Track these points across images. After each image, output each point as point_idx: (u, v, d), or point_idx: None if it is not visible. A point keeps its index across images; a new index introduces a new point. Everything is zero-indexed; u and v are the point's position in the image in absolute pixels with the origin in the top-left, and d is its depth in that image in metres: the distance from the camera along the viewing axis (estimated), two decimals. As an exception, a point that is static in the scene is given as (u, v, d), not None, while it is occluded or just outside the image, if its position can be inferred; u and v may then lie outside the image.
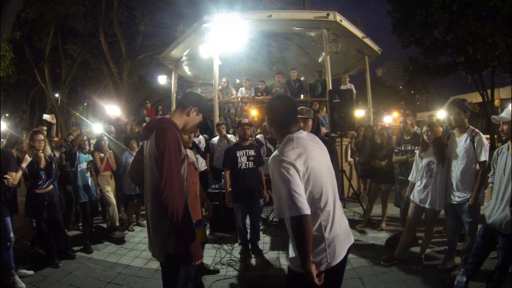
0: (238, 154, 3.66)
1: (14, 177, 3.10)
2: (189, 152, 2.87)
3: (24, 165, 3.26)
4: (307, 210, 1.38)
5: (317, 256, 1.48)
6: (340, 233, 1.55)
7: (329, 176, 1.60)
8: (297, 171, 1.42)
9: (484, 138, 2.88)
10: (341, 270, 1.63)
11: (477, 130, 2.91)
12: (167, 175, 1.53)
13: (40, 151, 3.50)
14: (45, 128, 4.47)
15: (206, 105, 1.88)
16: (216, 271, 3.34)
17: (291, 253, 1.57)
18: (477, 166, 2.88)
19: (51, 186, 3.65)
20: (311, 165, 1.47)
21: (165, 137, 1.58)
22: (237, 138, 5.87)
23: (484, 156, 2.80)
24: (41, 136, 3.51)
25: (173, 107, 8.41)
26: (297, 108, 1.73)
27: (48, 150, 3.68)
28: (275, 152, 1.53)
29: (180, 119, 1.79)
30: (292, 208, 1.37)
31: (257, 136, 5.38)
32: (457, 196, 2.94)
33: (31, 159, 3.36)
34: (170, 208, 1.51)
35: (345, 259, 1.58)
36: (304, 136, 1.60)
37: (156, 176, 1.56)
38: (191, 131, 1.90)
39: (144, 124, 5.72)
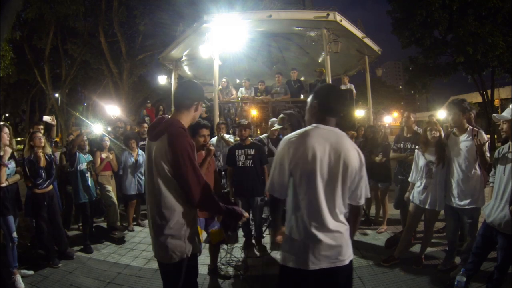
0: (236, 153, 3.97)
1: None
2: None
3: (5, 159, 3.06)
4: (277, 194, 1.59)
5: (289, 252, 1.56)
6: (320, 238, 1.46)
7: (326, 178, 1.48)
8: (290, 155, 1.51)
9: (484, 134, 2.87)
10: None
11: (477, 128, 2.90)
12: (193, 181, 1.61)
13: (40, 149, 3.50)
14: (41, 127, 4.42)
15: (204, 93, 1.91)
16: (227, 277, 3.22)
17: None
18: (478, 171, 2.87)
19: (51, 186, 3.65)
20: (302, 156, 1.48)
21: (181, 145, 1.61)
22: (237, 138, 5.89)
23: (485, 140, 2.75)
24: (39, 134, 3.56)
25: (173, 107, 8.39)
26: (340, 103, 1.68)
27: (49, 150, 3.68)
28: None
29: (187, 118, 1.78)
30: (270, 186, 1.60)
31: (260, 136, 5.42)
32: (457, 197, 2.94)
33: (11, 150, 3.18)
34: (210, 208, 1.80)
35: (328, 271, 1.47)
36: (324, 131, 1.54)
37: (180, 184, 1.63)
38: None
39: (145, 124, 5.71)
